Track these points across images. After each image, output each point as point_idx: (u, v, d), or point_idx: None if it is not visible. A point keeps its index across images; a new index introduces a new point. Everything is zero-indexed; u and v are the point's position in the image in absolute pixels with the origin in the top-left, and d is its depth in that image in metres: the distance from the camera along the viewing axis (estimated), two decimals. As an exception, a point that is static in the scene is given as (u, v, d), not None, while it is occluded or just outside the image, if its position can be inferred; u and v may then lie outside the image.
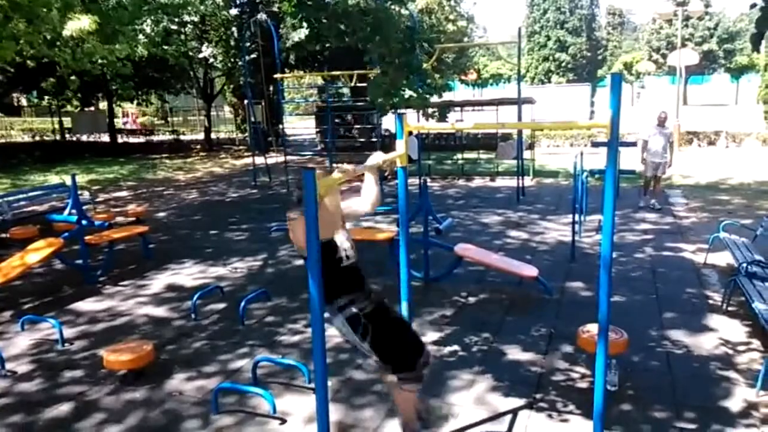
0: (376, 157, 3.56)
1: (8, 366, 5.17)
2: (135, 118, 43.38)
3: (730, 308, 6.07)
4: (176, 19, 19.78)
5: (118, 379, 4.85)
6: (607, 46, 53.53)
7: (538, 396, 4.46)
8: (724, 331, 5.56)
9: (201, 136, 30.65)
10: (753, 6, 5.13)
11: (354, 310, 3.29)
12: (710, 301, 6.35)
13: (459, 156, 18.86)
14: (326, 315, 3.07)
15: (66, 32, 8.50)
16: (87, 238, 7.77)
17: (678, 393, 4.44)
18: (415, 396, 3.61)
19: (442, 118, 21.56)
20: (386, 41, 6.65)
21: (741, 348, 5.19)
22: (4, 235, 9.55)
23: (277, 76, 15.22)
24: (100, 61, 10.08)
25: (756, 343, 5.26)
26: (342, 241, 3.31)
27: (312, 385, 4.45)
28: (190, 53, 24.64)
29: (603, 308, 3.00)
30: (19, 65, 13.25)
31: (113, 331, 5.94)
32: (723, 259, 7.72)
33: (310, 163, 20.48)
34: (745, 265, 6.03)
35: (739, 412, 4.16)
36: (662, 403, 4.29)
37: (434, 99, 12.96)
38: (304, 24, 6.29)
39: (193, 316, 6.24)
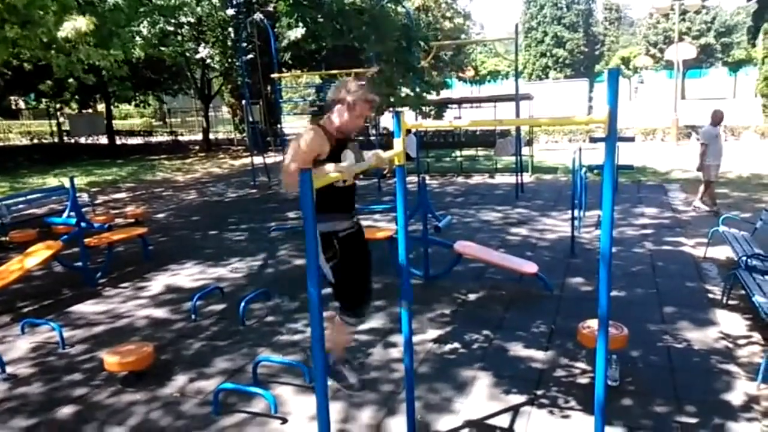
0: (374, 155, 3.55)
1: (9, 369, 5.17)
2: None
3: (730, 302, 6.07)
4: (173, 21, 19.73)
5: (119, 381, 4.84)
6: (605, 41, 53.50)
7: (539, 392, 4.47)
8: (724, 324, 5.56)
9: (199, 136, 30.65)
10: None
11: (332, 227, 3.38)
12: (710, 295, 6.35)
13: (457, 153, 18.87)
14: None
15: (61, 33, 8.47)
16: (86, 240, 7.76)
17: (679, 387, 4.44)
18: (351, 331, 3.80)
19: (439, 115, 21.56)
20: (382, 39, 6.66)
21: (741, 341, 5.19)
22: (3, 239, 9.56)
23: (275, 75, 15.20)
24: (96, 64, 10.03)
25: (756, 337, 5.26)
26: (345, 161, 3.34)
27: (312, 385, 4.45)
28: (187, 54, 24.61)
29: (603, 303, 3.00)
30: (16, 68, 13.24)
31: (113, 333, 5.94)
32: (723, 252, 7.72)
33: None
34: (744, 258, 6.03)
35: (740, 405, 4.16)
36: (663, 397, 4.29)
37: (432, 97, 12.96)
38: (300, 24, 6.30)
39: (193, 316, 6.23)
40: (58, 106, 30.67)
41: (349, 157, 3.35)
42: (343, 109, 3.34)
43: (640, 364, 4.83)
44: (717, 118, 10.20)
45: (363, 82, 3.38)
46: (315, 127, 3.36)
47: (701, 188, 10.47)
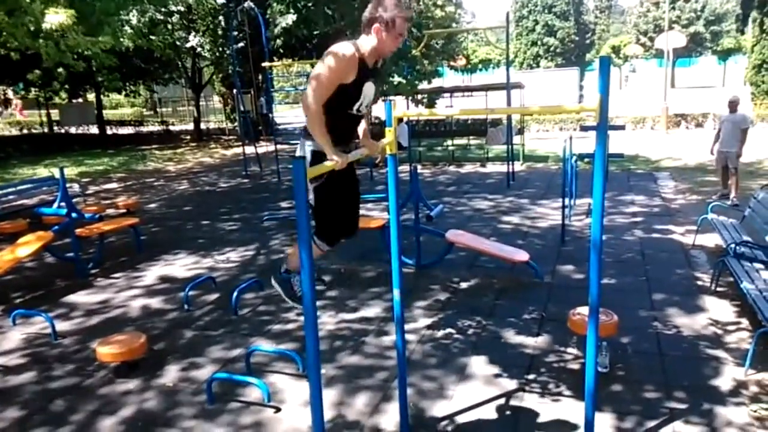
0: (366, 144, 3.56)
1: (0, 361, 5.16)
2: (20, 108, 41.37)
3: (718, 289, 6.13)
4: (163, 9, 19.58)
5: (112, 371, 4.85)
6: (595, 30, 53.37)
7: (530, 377, 4.51)
8: (713, 311, 5.63)
9: (190, 126, 30.47)
10: None
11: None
12: (699, 282, 6.41)
13: (449, 142, 18.86)
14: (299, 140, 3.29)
15: (45, 25, 8.39)
16: (77, 230, 7.73)
17: (668, 373, 4.50)
18: (317, 253, 3.60)
19: (431, 104, 21.53)
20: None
21: (730, 328, 5.26)
22: (-7, 230, 9.48)
23: (266, 64, 15.14)
24: (85, 53, 9.95)
25: (744, 323, 5.32)
26: (366, 94, 3.26)
27: (305, 373, 4.48)
28: (177, 43, 24.43)
29: (593, 291, 3.03)
30: (3, 57, 13.09)
31: (106, 324, 5.94)
32: (711, 240, 7.79)
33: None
34: (733, 245, 6.09)
35: (728, 390, 4.22)
36: (653, 383, 4.34)
37: (423, 85, 12.94)
38: (292, 10, 6.28)
39: (186, 306, 6.24)
40: (47, 95, 30.33)
41: (368, 93, 3.26)
42: (380, 29, 3.10)
43: (630, 351, 4.89)
44: (731, 105, 10.15)
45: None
46: (351, 48, 3.11)
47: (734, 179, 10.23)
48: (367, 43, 3.18)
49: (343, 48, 3.09)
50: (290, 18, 7.19)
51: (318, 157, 3.20)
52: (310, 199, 3.38)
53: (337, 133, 3.21)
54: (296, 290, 3.74)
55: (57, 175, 8.43)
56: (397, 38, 3.16)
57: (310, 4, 6.89)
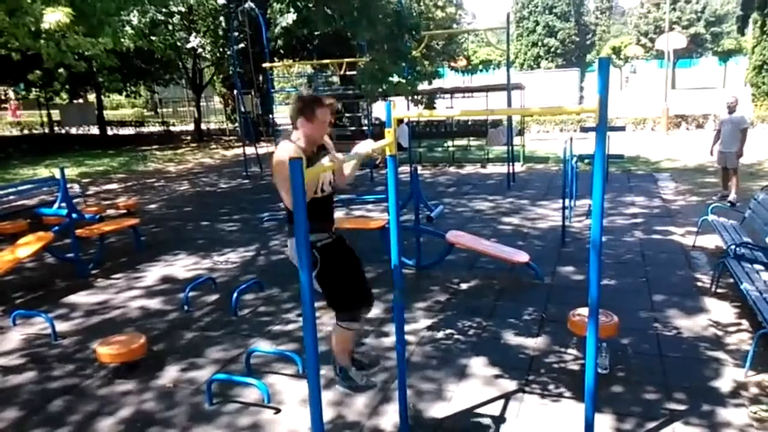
0: (366, 145, 3.56)
1: (0, 361, 5.16)
2: (15, 108, 41.29)
3: (719, 290, 6.13)
4: (163, 9, 19.58)
5: (111, 371, 4.85)
6: (596, 31, 53.36)
7: (530, 378, 4.51)
8: (713, 312, 5.62)
9: (191, 127, 30.50)
10: None
11: (309, 238, 3.33)
12: (699, 284, 6.41)
13: (449, 143, 18.87)
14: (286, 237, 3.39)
15: (44, 24, 8.38)
16: (78, 231, 7.73)
17: (668, 374, 4.49)
18: (351, 336, 3.79)
19: (430, 105, 21.50)
20: (373, 25, 6.64)
21: (730, 329, 5.25)
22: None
23: (266, 65, 15.14)
24: (86, 53, 9.94)
25: (744, 324, 5.32)
26: (322, 179, 3.44)
27: (305, 374, 4.47)
28: (178, 44, 24.44)
29: (593, 292, 3.03)
30: (4, 58, 13.10)
31: (106, 324, 5.93)
32: (712, 241, 7.78)
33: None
34: (733, 247, 6.09)
35: (728, 392, 4.22)
36: (653, 384, 4.34)
37: (423, 86, 12.94)
38: (292, 9, 6.29)
39: (185, 307, 6.24)
40: (48, 96, 30.34)
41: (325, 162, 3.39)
42: (304, 121, 3.38)
43: (630, 352, 4.88)
44: (729, 106, 10.20)
45: (313, 93, 3.51)
46: (286, 141, 3.40)
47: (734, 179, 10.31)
48: (300, 136, 3.43)
49: (284, 152, 3.28)
50: (290, 18, 7.19)
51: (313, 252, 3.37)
52: (316, 287, 3.47)
53: (311, 218, 3.30)
54: (359, 381, 3.85)
55: (57, 175, 8.44)
56: (323, 125, 3.42)
57: (310, 5, 6.89)
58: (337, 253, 3.56)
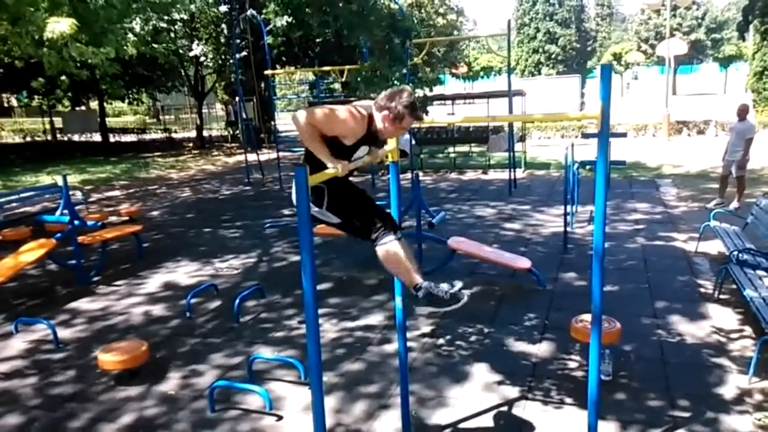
0: (369, 152, 3.56)
1: (2, 368, 5.16)
2: None
3: (721, 296, 6.11)
4: (166, 17, 19.65)
5: (113, 378, 4.84)
6: (597, 37, 53.44)
7: (532, 385, 4.50)
8: (716, 318, 5.61)
9: (193, 134, 30.52)
10: None
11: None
12: (702, 290, 6.40)
13: (451, 149, 18.87)
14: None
15: (47, 34, 8.42)
16: (80, 238, 7.74)
17: (671, 381, 4.48)
18: (399, 248, 3.28)
19: (423, 108, 21.46)
20: (369, 29, 6.67)
21: (733, 335, 5.24)
22: (-4, 237, 9.50)
23: (268, 72, 15.17)
24: (89, 61, 9.97)
25: (748, 330, 5.30)
26: (358, 155, 3.27)
27: (307, 381, 4.47)
28: (180, 51, 24.50)
29: (596, 298, 3.02)
30: (7, 65, 13.16)
31: (108, 331, 5.94)
32: (714, 247, 7.77)
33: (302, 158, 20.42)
34: (736, 253, 6.08)
35: (732, 399, 4.20)
36: (656, 391, 4.32)
37: (422, 93, 12.96)
38: (287, 11, 6.32)
39: (187, 314, 6.23)
40: (50, 103, 30.38)
41: (360, 154, 3.30)
42: (389, 117, 3.20)
43: (633, 359, 4.87)
44: (738, 112, 10.23)
45: (412, 98, 3.24)
46: (367, 112, 3.22)
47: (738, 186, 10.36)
48: (377, 117, 3.25)
49: (353, 110, 3.15)
50: (285, 19, 7.22)
51: (318, 190, 3.20)
52: (334, 220, 3.33)
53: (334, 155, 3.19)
54: (440, 294, 3.28)
55: (60, 182, 8.45)
56: (401, 129, 3.29)
57: (305, 8, 6.93)
58: (342, 184, 3.31)
